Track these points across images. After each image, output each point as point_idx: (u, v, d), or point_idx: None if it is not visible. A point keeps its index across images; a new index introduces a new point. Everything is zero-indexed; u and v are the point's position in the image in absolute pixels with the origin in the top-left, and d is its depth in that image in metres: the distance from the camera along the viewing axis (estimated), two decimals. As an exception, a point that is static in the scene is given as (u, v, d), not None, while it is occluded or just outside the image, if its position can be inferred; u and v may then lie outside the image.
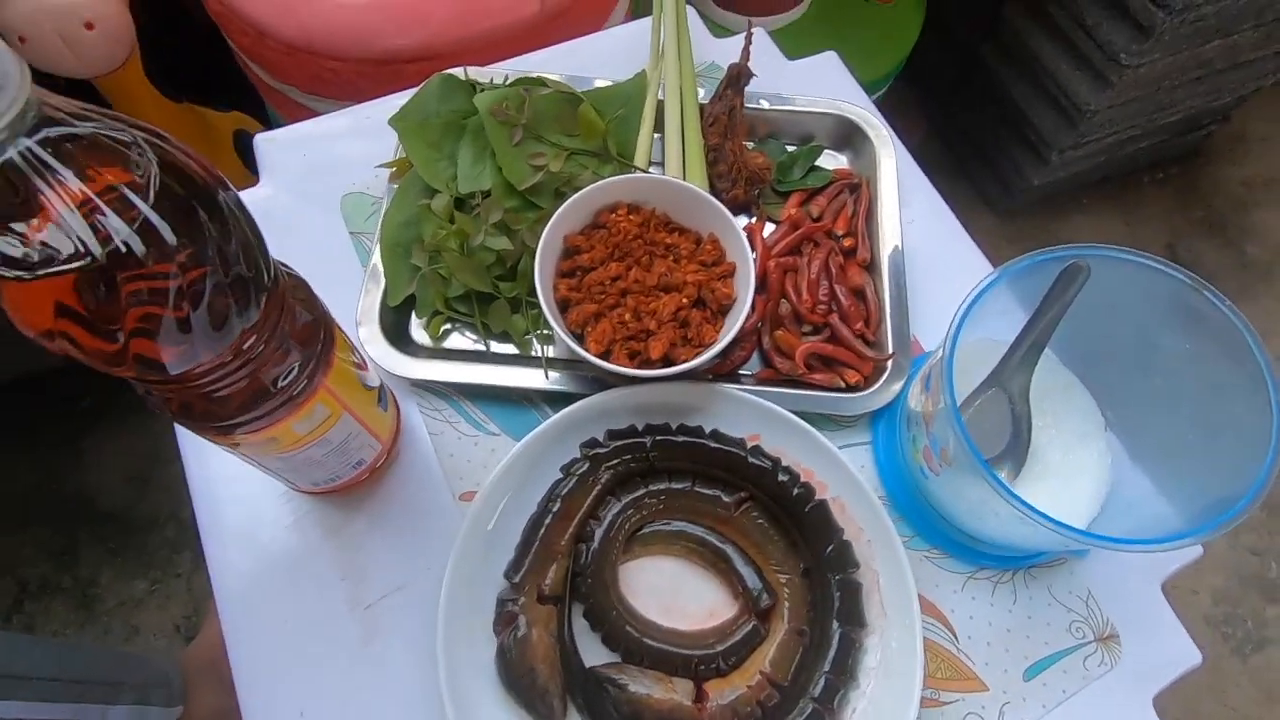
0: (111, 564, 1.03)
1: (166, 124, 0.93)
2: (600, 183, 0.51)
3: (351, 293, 0.52)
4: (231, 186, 0.29)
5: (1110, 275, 0.43)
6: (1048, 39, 1.18)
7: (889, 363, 0.53)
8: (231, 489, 0.49)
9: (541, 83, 0.56)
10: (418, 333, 0.54)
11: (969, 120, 1.41)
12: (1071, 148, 1.24)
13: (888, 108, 1.30)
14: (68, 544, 1.04)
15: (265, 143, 0.61)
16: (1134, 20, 1.04)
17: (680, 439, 0.48)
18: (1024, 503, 0.37)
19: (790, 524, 0.47)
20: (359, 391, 0.41)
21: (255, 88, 0.94)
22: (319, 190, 0.59)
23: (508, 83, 0.57)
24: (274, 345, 0.32)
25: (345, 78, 0.78)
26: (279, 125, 1.03)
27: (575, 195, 0.50)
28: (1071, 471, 0.48)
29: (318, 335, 0.35)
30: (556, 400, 0.53)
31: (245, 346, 0.31)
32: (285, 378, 0.34)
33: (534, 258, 0.48)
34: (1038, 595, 0.50)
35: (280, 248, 0.58)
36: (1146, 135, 1.32)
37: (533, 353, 0.53)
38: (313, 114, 0.85)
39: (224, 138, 1.03)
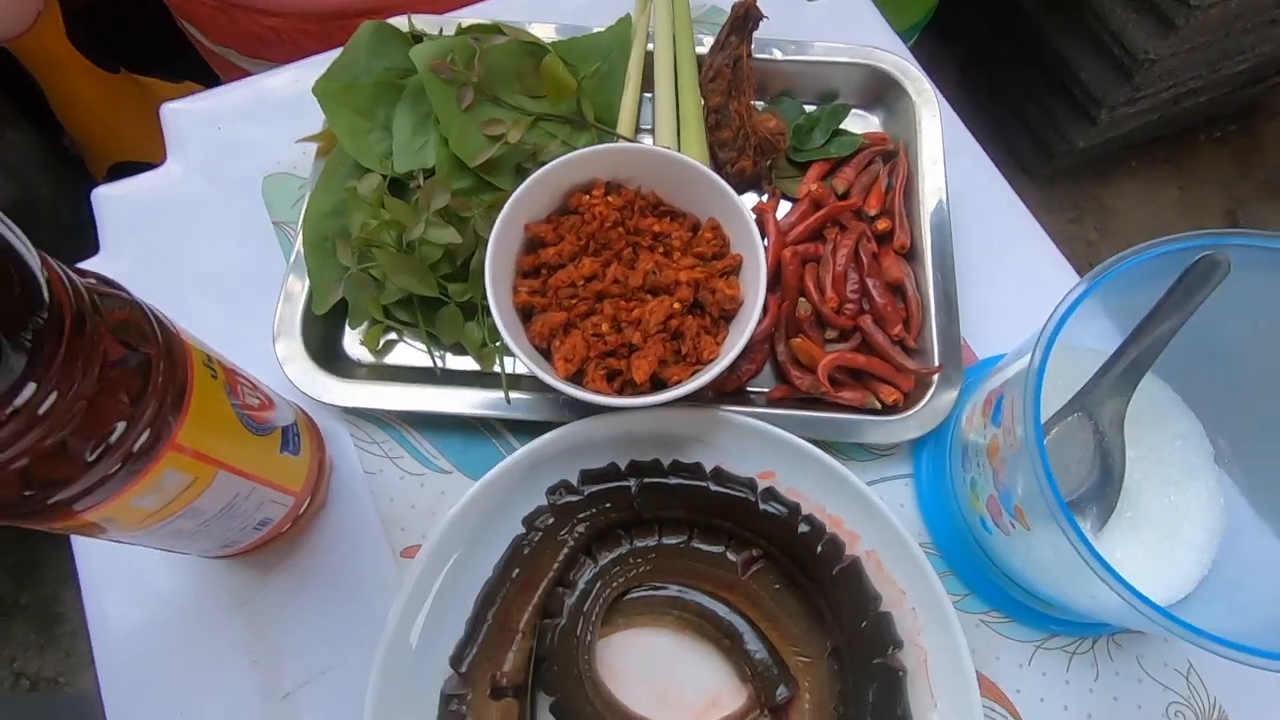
0: (74, 581, 0.95)
1: (99, 96, 0.83)
2: (569, 155, 0.40)
3: (273, 297, 0.42)
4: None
5: (1243, 269, 0.32)
6: (1100, -21, 1.03)
7: (935, 377, 0.42)
8: (116, 546, 0.39)
9: (497, 29, 0.45)
10: (353, 345, 0.44)
11: (1005, 76, 1.27)
12: (1124, 104, 1.10)
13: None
14: (27, 560, 0.97)
15: (173, 114, 0.51)
16: (1206, -48, 0.90)
17: (673, 481, 0.38)
18: (1165, 612, 0.27)
19: (814, 590, 0.37)
20: (244, 441, 0.31)
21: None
22: (236, 171, 0.49)
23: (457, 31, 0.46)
24: (74, 401, 0.22)
25: (288, 37, 0.67)
26: (232, 96, 0.92)
27: (537, 172, 0.39)
28: (1174, 518, 0.38)
29: (153, 379, 0.25)
30: (522, 429, 0.43)
31: (19, 405, 0.21)
32: (101, 445, 0.24)
33: (488, 252, 0.38)
34: (1125, 670, 0.39)
35: (188, 241, 0.48)
36: (1206, 88, 1.17)
37: (495, 367, 0.43)
38: (258, 81, 0.74)
39: (173, 112, 0.92)
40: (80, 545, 0.40)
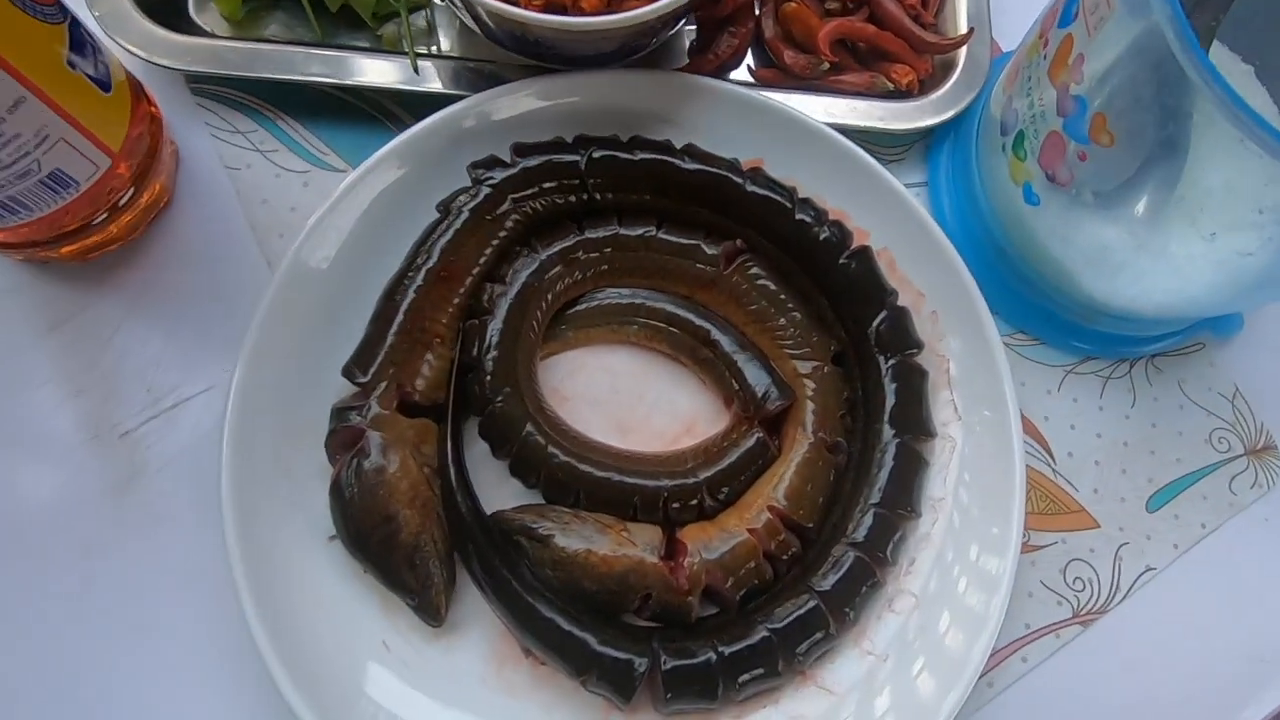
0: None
1: None
2: None
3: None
4: None
5: None
6: None
7: (962, 51, 0.34)
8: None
9: None
10: (209, 14, 0.33)
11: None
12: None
13: None
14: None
15: None
16: None
17: (636, 156, 0.29)
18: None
19: (813, 286, 0.30)
20: (43, 54, 0.21)
21: None
22: None
23: None
24: None
25: None
26: None
27: None
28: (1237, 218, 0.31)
29: None
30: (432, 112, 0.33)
31: None
32: None
33: None
34: (1165, 395, 0.34)
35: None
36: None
37: (402, 46, 0.32)
38: None
39: None
40: None
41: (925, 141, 0.36)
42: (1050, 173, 0.27)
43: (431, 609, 0.25)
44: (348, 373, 0.27)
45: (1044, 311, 0.33)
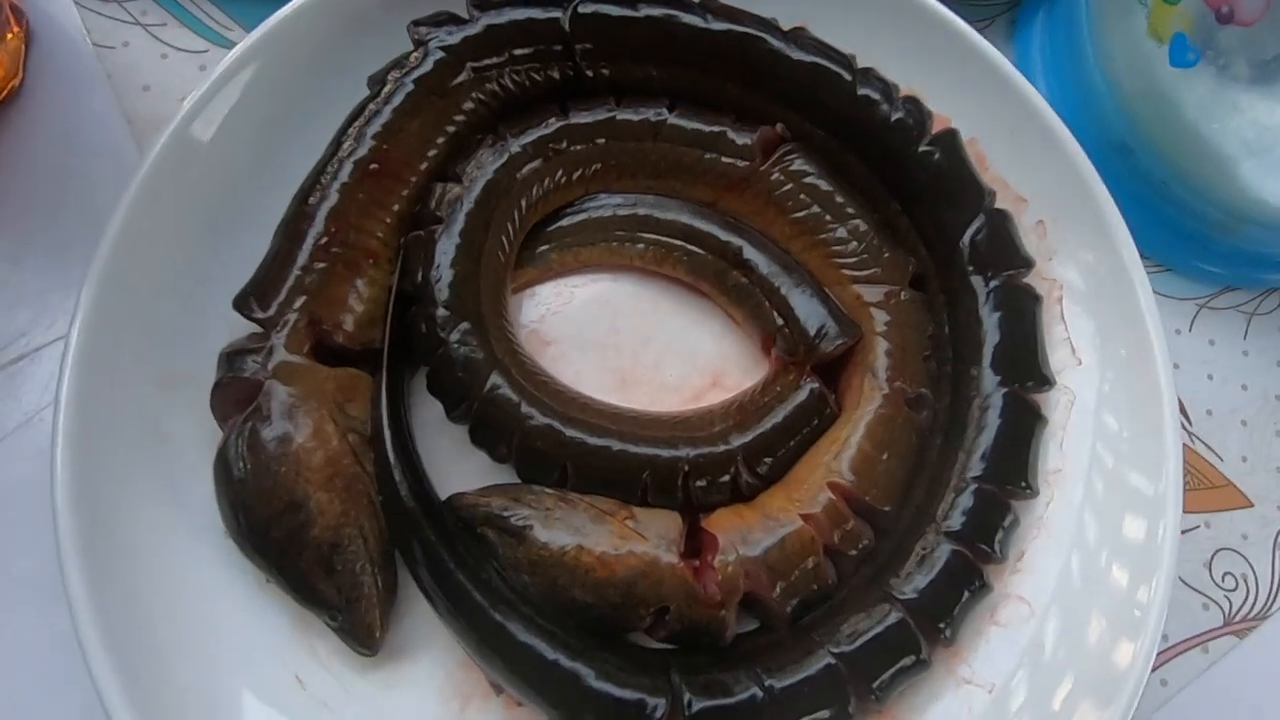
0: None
1: None
2: None
3: None
4: None
5: None
6: None
7: (1064, -114, 0.26)
8: None
9: None
10: None
11: None
12: None
13: None
14: None
15: None
16: None
17: (641, 11, 0.22)
18: None
19: (882, 185, 0.22)
20: None
21: None
22: None
23: None
24: None
25: None
26: None
27: None
28: None
29: None
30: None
31: None
32: None
33: None
34: (1327, 334, 0.26)
35: None
36: None
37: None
38: None
39: None
40: None
41: (1010, 15, 0.28)
42: (1224, 8, 0.19)
43: (362, 630, 0.18)
44: (243, 304, 0.19)
45: (1174, 225, 0.25)
